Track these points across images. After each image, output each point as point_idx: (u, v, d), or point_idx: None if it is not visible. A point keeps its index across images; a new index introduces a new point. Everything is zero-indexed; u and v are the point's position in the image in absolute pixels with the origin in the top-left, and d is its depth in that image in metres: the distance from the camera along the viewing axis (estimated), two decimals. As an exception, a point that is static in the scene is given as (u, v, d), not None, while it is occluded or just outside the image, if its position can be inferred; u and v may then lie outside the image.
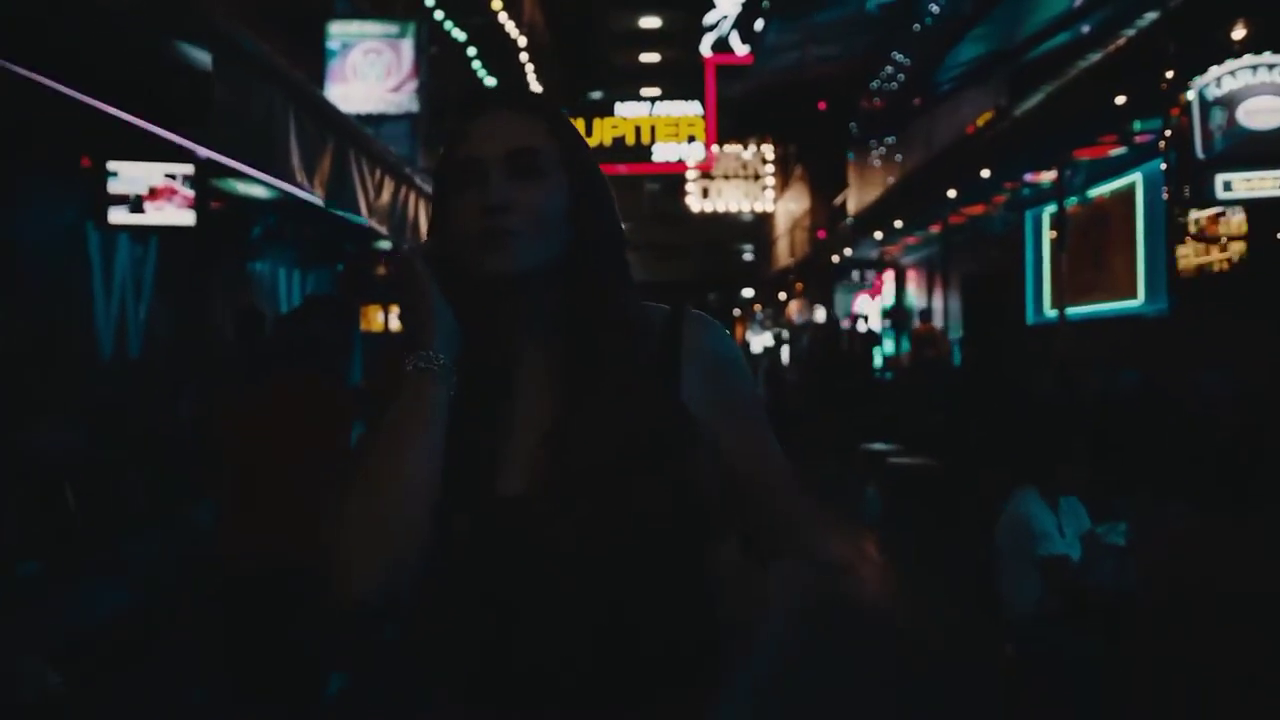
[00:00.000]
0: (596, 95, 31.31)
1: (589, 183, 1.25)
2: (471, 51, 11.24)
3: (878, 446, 9.51)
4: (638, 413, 1.18)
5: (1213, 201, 4.80)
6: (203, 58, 4.42)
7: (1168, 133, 5.46)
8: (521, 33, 11.76)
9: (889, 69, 13.18)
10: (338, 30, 9.65)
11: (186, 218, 5.95)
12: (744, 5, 18.12)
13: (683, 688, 1.18)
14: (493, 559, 1.16)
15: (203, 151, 5.49)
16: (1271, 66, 4.67)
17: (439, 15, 10.65)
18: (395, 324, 10.53)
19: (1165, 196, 6.00)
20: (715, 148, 25.24)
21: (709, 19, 19.04)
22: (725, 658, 1.20)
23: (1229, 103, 4.71)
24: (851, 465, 9.99)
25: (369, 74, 9.60)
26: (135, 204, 5.92)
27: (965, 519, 5.60)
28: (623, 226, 1.30)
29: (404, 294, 1.23)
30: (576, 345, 1.21)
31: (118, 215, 5.96)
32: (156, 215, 5.93)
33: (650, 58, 42.53)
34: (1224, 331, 5.61)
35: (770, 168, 27.42)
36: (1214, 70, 4.77)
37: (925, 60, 10.26)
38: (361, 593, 1.11)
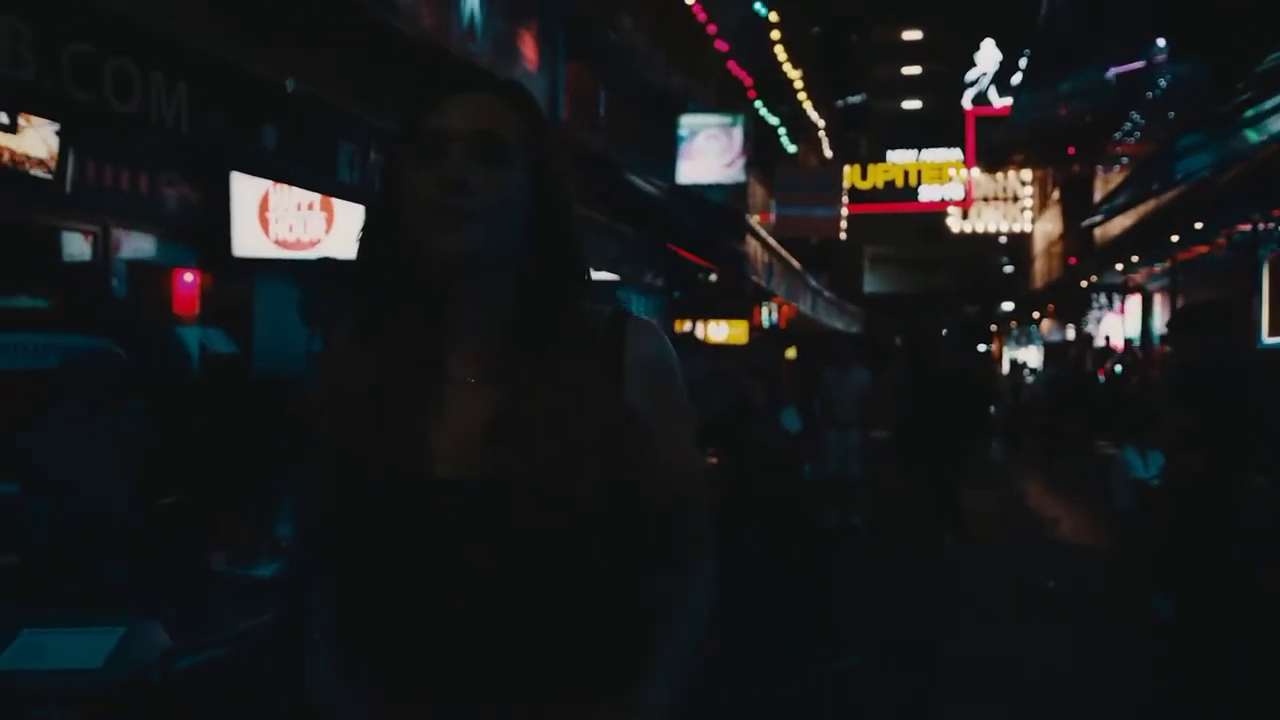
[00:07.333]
0: (855, 99, 33.46)
1: (551, 178, 1.20)
2: (782, 132, 14.52)
3: (1102, 442, 12.15)
4: (586, 410, 1.15)
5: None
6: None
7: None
8: (820, 115, 14.93)
9: (1128, 124, 15.40)
10: (686, 121, 13.20)
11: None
12: (1000, 63, 20.44)
13: (602, 685, 1.17)
14: (430, 540, 1.12)
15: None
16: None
17: (758, 106, 14.00)
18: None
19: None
20: (973, 172, 27.28)
21: (970, 76, 21.33)
22: (645, 661, 1.21)
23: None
24: (1075, 453, 12.87)
25: (709, 153, 13.06)
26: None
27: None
28: (580, 218, 1.24)
29: None
30: (524, 338, 1.18)
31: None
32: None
33: (911, 70, 44.52)
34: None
35: (1029, 189, 28.91)
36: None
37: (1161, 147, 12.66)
38: None
